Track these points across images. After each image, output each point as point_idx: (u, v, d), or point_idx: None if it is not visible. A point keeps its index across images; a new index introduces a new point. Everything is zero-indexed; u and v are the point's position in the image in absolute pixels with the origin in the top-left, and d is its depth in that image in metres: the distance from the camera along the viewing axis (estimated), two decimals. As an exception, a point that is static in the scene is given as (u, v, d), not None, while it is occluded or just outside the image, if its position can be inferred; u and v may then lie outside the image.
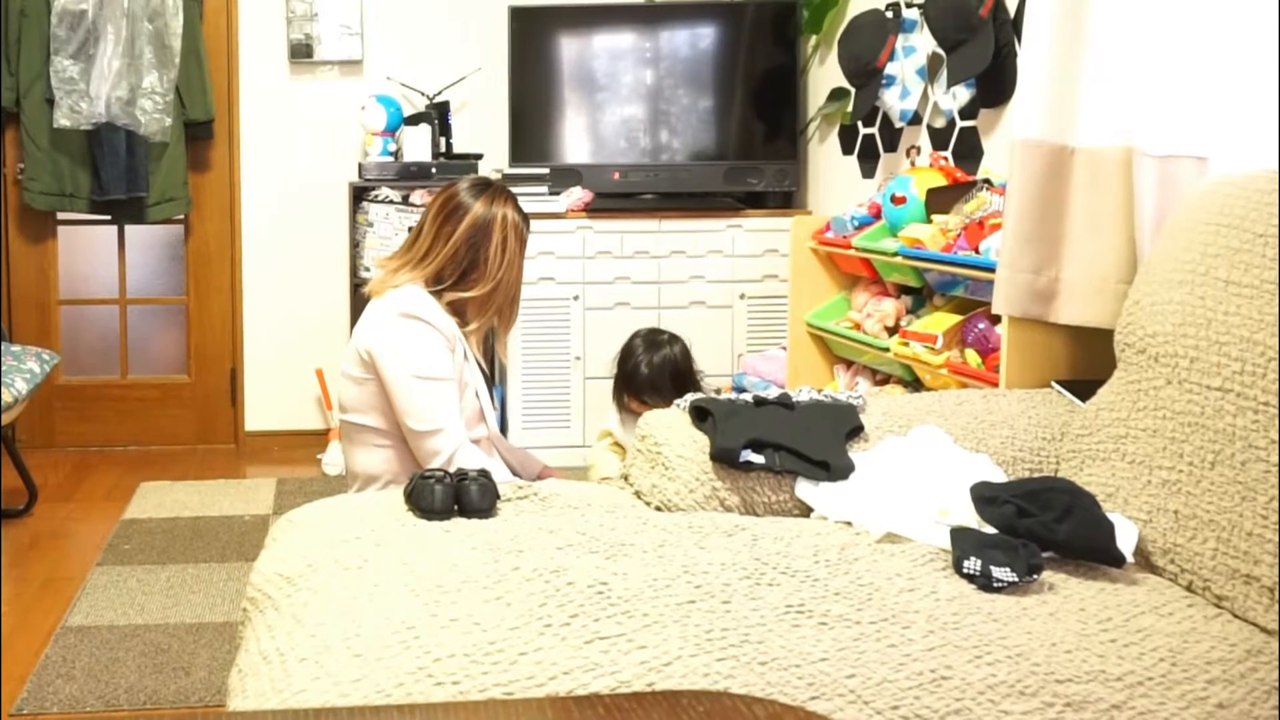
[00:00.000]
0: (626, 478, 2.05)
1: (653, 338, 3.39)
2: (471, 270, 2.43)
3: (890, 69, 3.54)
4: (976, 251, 2.59)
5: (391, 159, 4.41)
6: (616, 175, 4.32)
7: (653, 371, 3.31)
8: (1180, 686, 1.31)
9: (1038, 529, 1.60)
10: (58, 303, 4.70)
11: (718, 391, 3.44)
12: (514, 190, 4.10)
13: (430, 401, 2.31)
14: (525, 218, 2.52)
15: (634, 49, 4.39)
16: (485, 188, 2.50)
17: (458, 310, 2.44)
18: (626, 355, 3.38)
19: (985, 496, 1.68)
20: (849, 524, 1.76)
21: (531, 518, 1.78)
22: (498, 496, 1.81)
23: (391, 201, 4.31)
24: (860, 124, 3.92)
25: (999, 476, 1.81)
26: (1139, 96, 2.12)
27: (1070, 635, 1.39)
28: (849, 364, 3.36)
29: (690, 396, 2.07)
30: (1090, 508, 1.62)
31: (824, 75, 4.23)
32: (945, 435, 1.91)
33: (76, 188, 4.46)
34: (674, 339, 3.39)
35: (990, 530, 1.63)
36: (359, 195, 4.36)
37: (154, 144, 4.43)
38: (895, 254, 2.91)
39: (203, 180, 4.69)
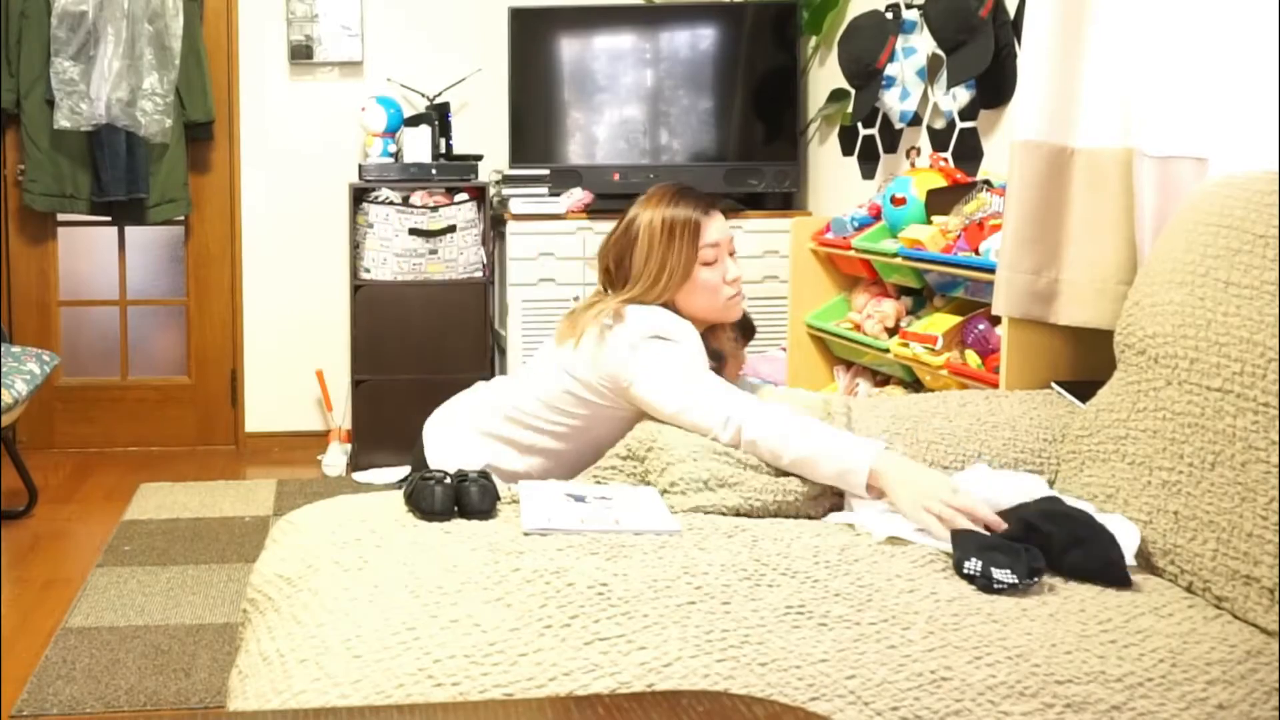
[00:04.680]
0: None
1: None
2: (637, 276, 2.35)
3: (890, 70, 3.54)
4: (976, 252, 2.59)
5: (392, 160, 4.41)
6: (616, 176, 4.32)
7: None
8: (1180, 687, 1.31)
9: (1044, 546, 1.58)
10: (58, 304, 4.70)
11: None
12: (514, 191, 4.16)
13: (704, 403, 2.04)
14: (686, 207, 2.35)
15: (634, 50, 4.39)
16: (645, 196, 2.43)
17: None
18: None
19: (1005, 509, 1.68)
20: (850, 525, 1.76)
21: (531, 519, 1.77)
22: (498, 498, 1.81)
23: (392, 203, 4.31)
24: (860, 125, 3.92)
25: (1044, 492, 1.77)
26: (1139, 97, 2.12)
27: (1070, 636, 1.39)
28: (849, 365, 3.36)
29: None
30: (1106, 546, 1.58)
31: (824, 76, 4.23)
32: (999, 472, 1.87)
33: (77, 189, 4.46)
34: None
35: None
36: (359, 196, 4.36)
37: (154, 145, 4.43)
38: (895, 255, 2.91)
39: (203, 181, 4.69)
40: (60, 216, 4.63)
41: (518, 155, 4.35)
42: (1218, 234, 1.69)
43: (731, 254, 2.36)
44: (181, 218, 4.66)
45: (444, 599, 1.42)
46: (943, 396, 2.14)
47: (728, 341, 2.44)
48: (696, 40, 4.39)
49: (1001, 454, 1.94)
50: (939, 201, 2.88)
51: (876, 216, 3.16)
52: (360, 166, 4.39)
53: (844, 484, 1.85)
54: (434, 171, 4.35)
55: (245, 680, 1.36)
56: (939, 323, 2.76)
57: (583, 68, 4.41)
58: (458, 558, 1.56)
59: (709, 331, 2.39)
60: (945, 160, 3.24)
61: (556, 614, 1.39)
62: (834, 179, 4.18)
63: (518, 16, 4.36)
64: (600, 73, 4.39)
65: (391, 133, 4.45)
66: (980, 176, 3.03)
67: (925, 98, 3.49)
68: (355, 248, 4.37)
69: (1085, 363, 2.25)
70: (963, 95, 3.26)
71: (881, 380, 3.18)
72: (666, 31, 4.38)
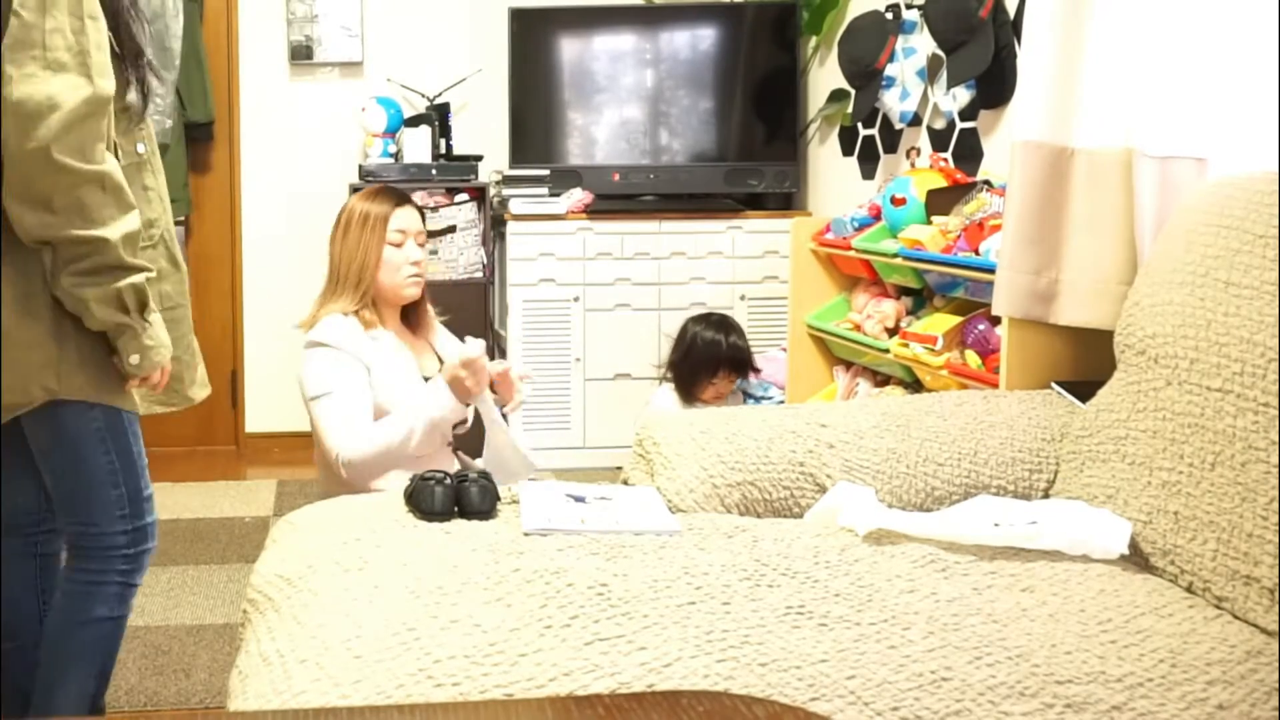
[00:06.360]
0: (626, 482, 2.05)
1: (717, 319, 3.69)
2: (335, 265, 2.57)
3: (890, 70, 3.55)
4: (976, 253, 2.59)
5: (392, 160, 4.41)
6: (616, 176, 4.32)
7: (731, 349, 3.60)
8: (1180, 688, 1.31)
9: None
10: (58, 304, 4.70)
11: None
12: (514, 191, 4.16)
13: (327, 424, 2.39)
14: (381, 203, 2.56)
15: (634, 50, 4.39)
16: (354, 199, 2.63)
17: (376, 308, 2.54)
18: (694, 342, 3.63)
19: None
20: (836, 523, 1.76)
21: (532, 519, 1.77)
22: (498, 498, 1.81)
23: (392, 203, 4.31)
24: (860, 125, 3.92)
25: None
26: (1139, 97, 2.12)
27: (1070, 636, 1.39)
28: (849, 365, 3.36)
29: None
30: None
31: (824, 76, 4.23)
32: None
33: (77, 189, 4.45)
34: (732, 324, 3.71)
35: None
36: (359, 197, 4.36)
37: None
38: (895, 255, 2.91)
39: (203, 182, 4.69)
40: (60, 217, 4.62)
41: (518, 155, 4.35)
42: (1218, 234, 1.69)
43: (421, 244, 2.57)
44: (181, 218, 4.66)
45: (444, 599, 1.42)
46: (939, 396, 2.14)
47: (426, 318, 2.67)
48: (696, 40, 4.39)
49: (1000, 453, 1.93)
50: (939, 201, 2.88)
51: (876, 217, 3.16)
52: (360, 167, 4.39)
53: (448, 424, 2.35)
54: (434, 172, 4.35)
55: (245, 680, 1.36)
56: (939, 323, 2.76)
57: (583, 68, 4.41)
58: (458, 558, 1.56)
59: (406, 314, 2.61)
60: (945, 160, 3.24)
61: (556, 614, 1.39)
62: (834, 179, 4.18)
63: (518, 16, 4.36)
64: (600, 73, 4.39)
65: (391, 133, 4.45)
66: (980, 176, 3.03)
67: (925, 98, 3.49)
68: (355, 248, 4.36)
69: (1085, 363, 2.25)
70: (963, 95, 3.26)
71: (881, 380, 3.18)
72: (666, 32, 4.38)
